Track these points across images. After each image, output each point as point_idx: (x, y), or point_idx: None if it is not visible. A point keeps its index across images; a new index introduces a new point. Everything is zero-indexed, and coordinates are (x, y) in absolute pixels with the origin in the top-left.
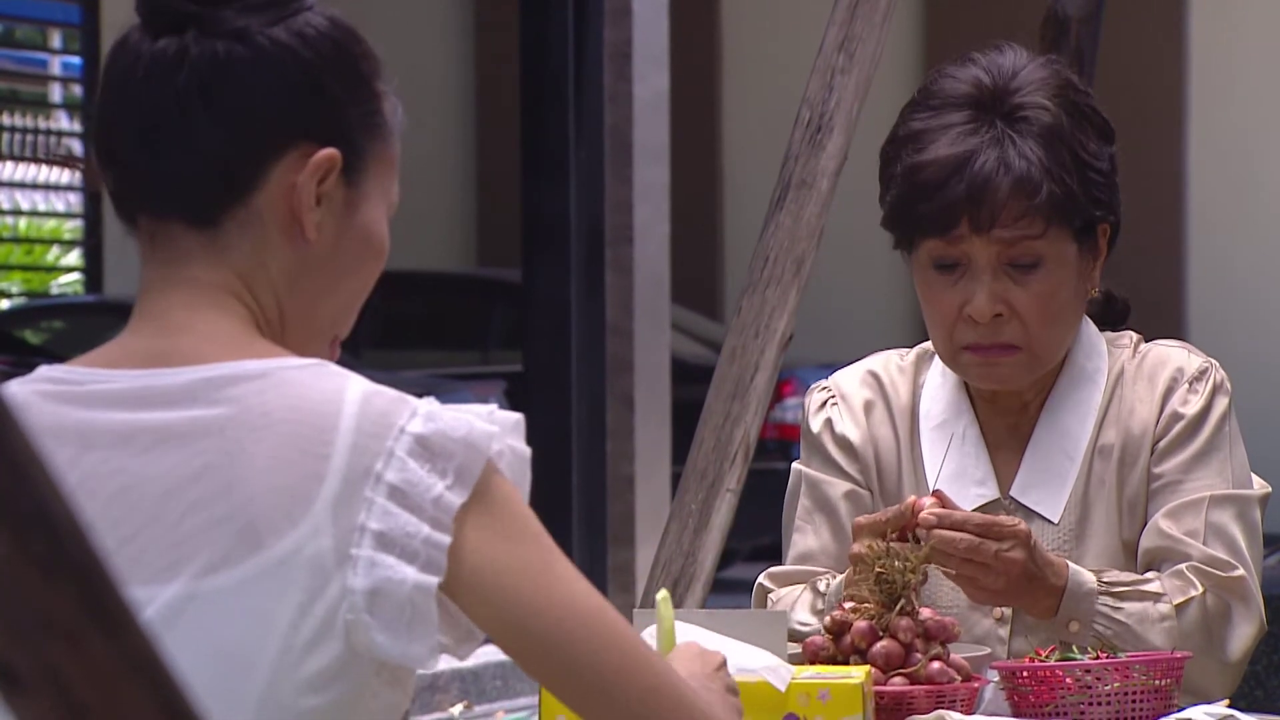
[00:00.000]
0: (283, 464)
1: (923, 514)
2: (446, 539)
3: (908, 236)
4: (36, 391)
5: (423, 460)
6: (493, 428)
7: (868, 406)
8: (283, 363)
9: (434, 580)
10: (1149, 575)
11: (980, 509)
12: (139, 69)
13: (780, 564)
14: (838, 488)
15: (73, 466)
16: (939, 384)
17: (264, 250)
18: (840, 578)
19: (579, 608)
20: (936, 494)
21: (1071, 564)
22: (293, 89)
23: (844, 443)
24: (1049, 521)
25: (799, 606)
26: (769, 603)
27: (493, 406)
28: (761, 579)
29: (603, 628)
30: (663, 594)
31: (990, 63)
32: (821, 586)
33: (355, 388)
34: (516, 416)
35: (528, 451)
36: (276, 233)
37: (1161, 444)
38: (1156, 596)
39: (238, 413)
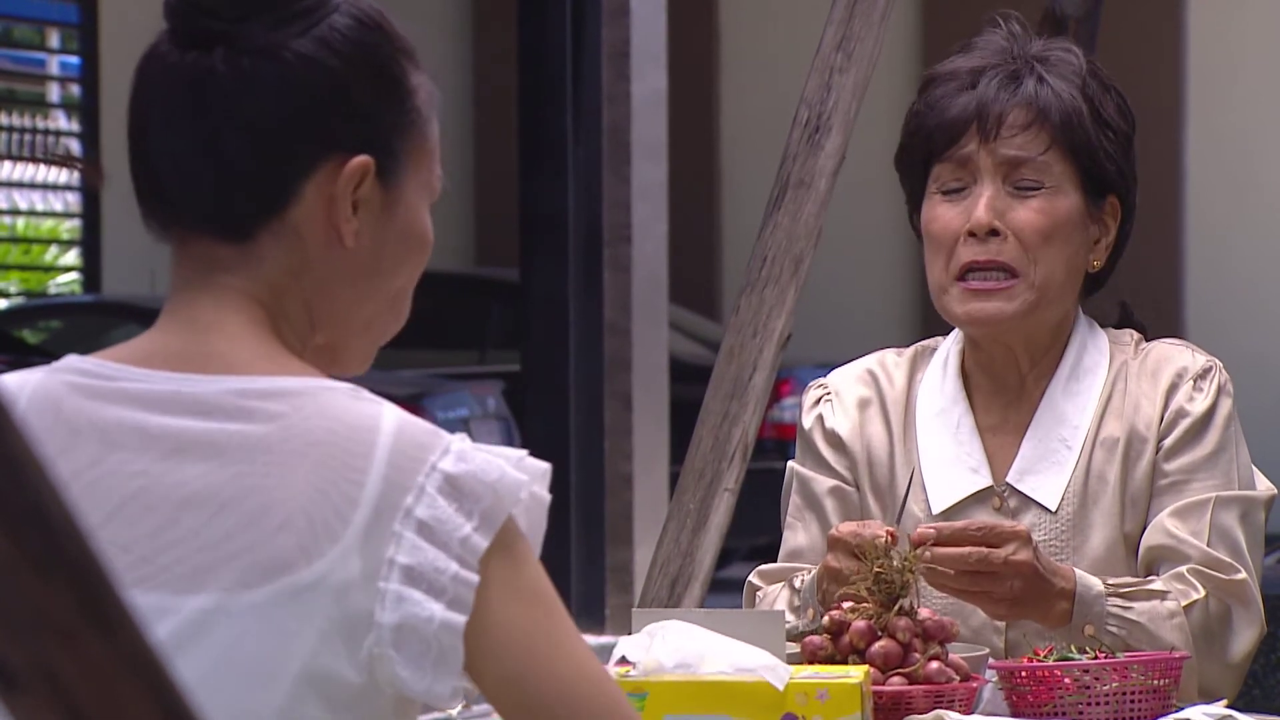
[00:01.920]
0: (319, 488)
1: (918, 530)
2: (475, 578)
3: (920, 162)
4: (65, 383)
5: (451, 499)
6: (522, 476)
7: (862, 403)
8: (320, 383)
9: (461, 619)
10: (1150, 578)
11: (974, 496)
12: (168, 84)
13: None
14: (824, 484)
15: (94, 464)
16: (938, 376)
17: (299, 261)
18: (813, 573)
19: (585, 676)
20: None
21: (1076, 570)
22: (321, 103)
23: (833, 438)
24: (1046, 510)
25: (779, 604)
26: (757, 601)
27: (523, 453)
28: (752, 577)
29: (606, 701)
30: None
31: (1010, 31)
32: (797, 583)
33: (390, 416)
34: (545, 466)
35: (548, 498)
36: (314, 243)
37: (1167, 442)
38: (1163, 595)
39: (278, 431)
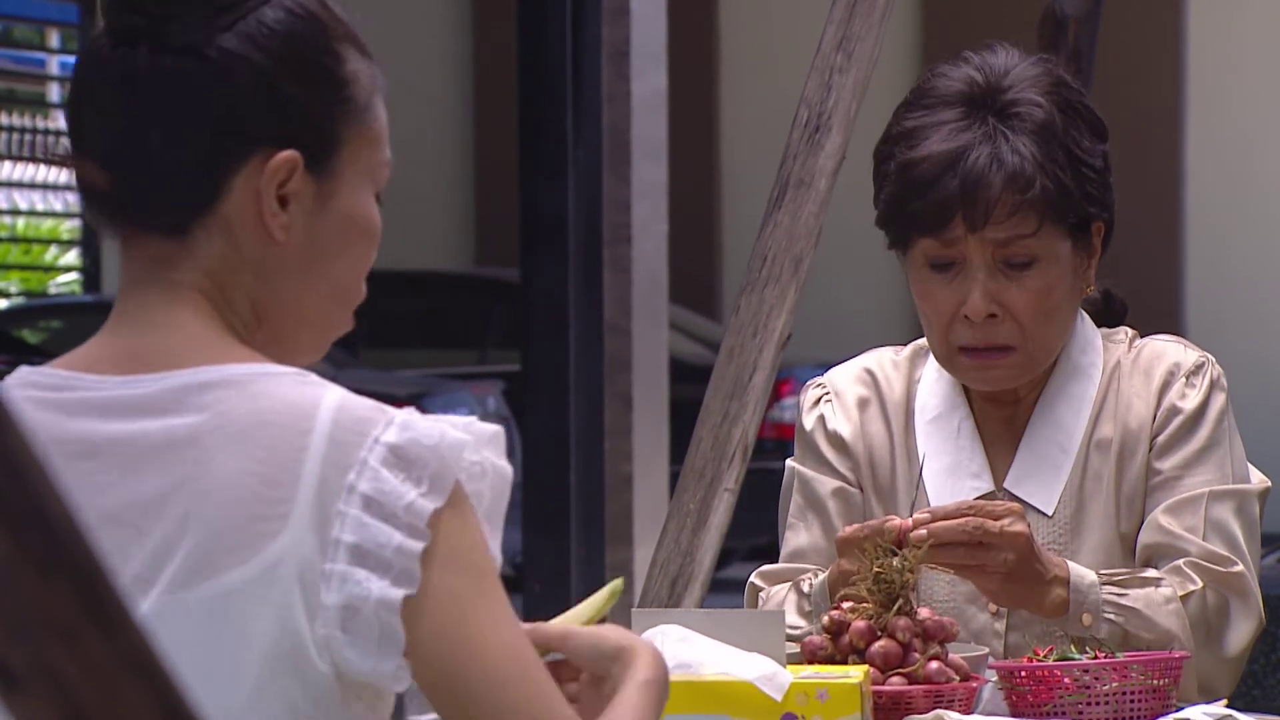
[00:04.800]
0: (256, 475)
1: (915, 515)
2: (419, 545)
3: (903, 236)
4: (24, 398)
5: (396, 469)
6: (466, 436)
7: (862, 403)
8: (263, 369)
9: (399, 594)
10: (1143, 568)
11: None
12: (99, 80)
13: (775, 563)
14: (827, 485)
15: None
16: (934, 379)
17: (236, 254)
18: (823, 576)
19: (514, 657)
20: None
21: (1069, 561)
22: (246, 99)
23: (836, 439)
24: (1043, 514)
25: (785, 607)
26: (759, 602)
27: (472, 419)
28: (753, 578)
29: (532, 687)
30: (616, 585)
31: (982, 61)
32: (805, 587)
33: (331, 397)
34: (495, 429)
35: (509, 469)
36: (247, 237)
37: (1160, 439)
38: (1156, 581)
39: (211, 420)
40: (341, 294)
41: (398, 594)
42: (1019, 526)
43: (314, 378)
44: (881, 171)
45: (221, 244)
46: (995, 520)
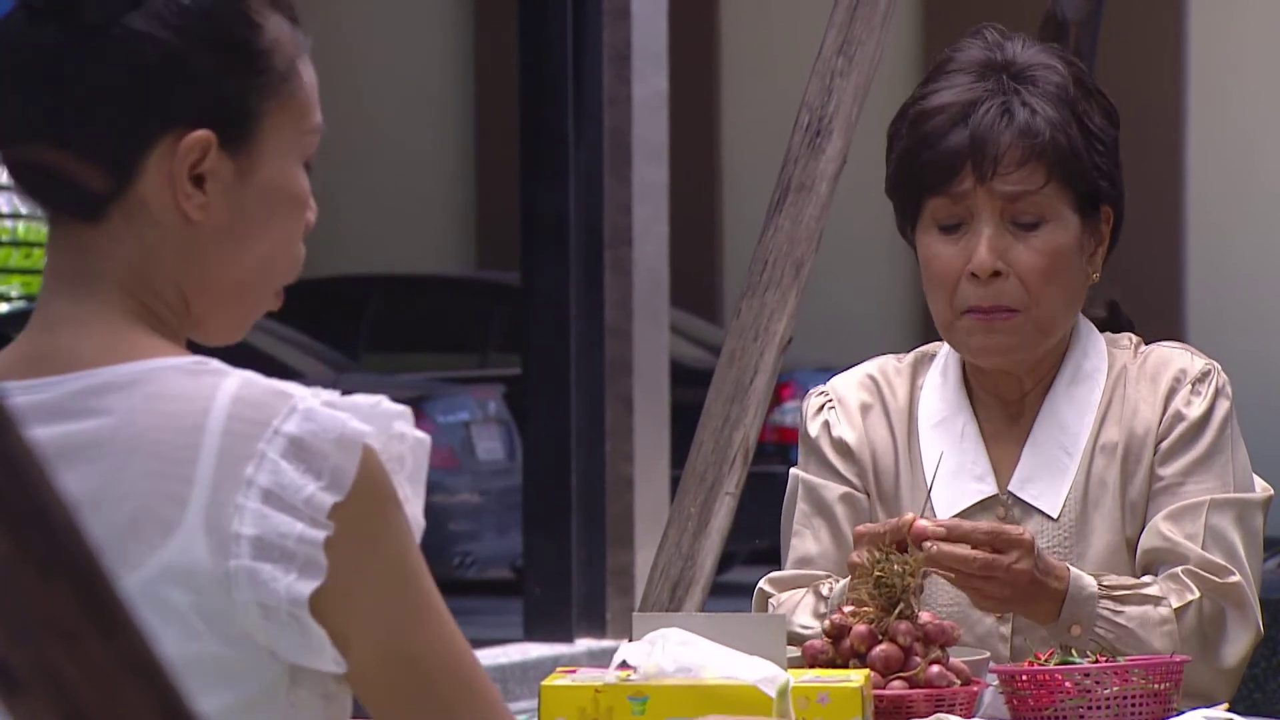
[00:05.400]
0: (153, 478)
1: (928, 525)
2: (321, 534)
3: (913, 196)
4: None
5: (296, 461)
6: (366, 427)
7: (865, 409)
8: (157, 364)
9: (307, 588)
10: (1146, 579)
11: (979, 504)
12: (11, 59)
13: (780, 568)
14: (834, 491)
15: None
16: (938, 384)
17: (155, 237)
18: (844, 582)
19: (444, 645)
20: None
21: (1072, 568)
22: (152, 78)
23: (841, 446)
24: (1048, 517)
25: (801, 610)
26: (770, 608)
27: (380, 398)
28: (762, 584)
29: (465, 671)
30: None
31: (997, 41)
32: (824, 590)
33: (227, 388)
34: (401, 408)
35: (425, 437)
36: (164, 218)
37: (1164, 445)
38: (1157, 600)
39: (109, 426)
40: (269, 268)
41: (305, 588)
42: (1024, 565)
43: (213, 364)
44: (894, 135)
45: (140, 228)
46: (1005, 553)
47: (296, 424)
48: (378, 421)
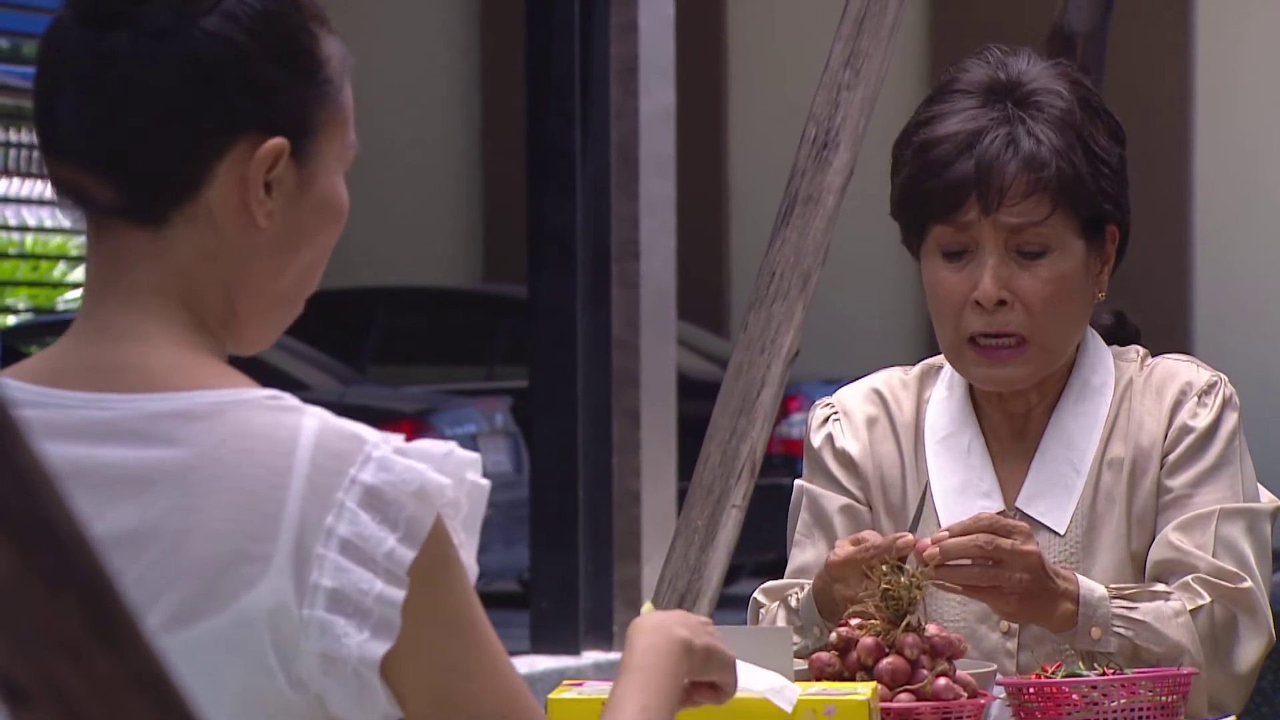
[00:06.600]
0: (236, 520)
1: (933, 536)
2: (400, 594)
3: (917, 222)
4: None
5: (373, 511)
6: (445, 480)
7: (870, 422)
8: (237, 396)
9: (379, 650)
10: (1152, 582)
11: None
12: (72, 64)
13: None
14: (835, 502)
15: None
16: (944, 397)
17: (214, 243)
18: (808, 589)
19: (504, 698)
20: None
21: (1077, 574)
22: (230, 84)
23: (844, 458)
24: (1055, 533)
25: (779, 622)
26: (760, 617)
27: (451, 446)
28: (756, 594)
29: (525, 710)
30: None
31: (1001, 60)
32: (793, 602)
33: (309, 428)
34: (473, 456)
35: (486, 484)
36: (228, 225)
37: (1171, 457)
38: (1166, 595)
39: (189, 456)
40: (308, 279)
41: (378, 649)
42: (1029, 545)
43: (289, 399)
44: (899, 157)
45: (199, 234)
46: (1005, 538)
47: (372, 473)
48: (452, 471)
